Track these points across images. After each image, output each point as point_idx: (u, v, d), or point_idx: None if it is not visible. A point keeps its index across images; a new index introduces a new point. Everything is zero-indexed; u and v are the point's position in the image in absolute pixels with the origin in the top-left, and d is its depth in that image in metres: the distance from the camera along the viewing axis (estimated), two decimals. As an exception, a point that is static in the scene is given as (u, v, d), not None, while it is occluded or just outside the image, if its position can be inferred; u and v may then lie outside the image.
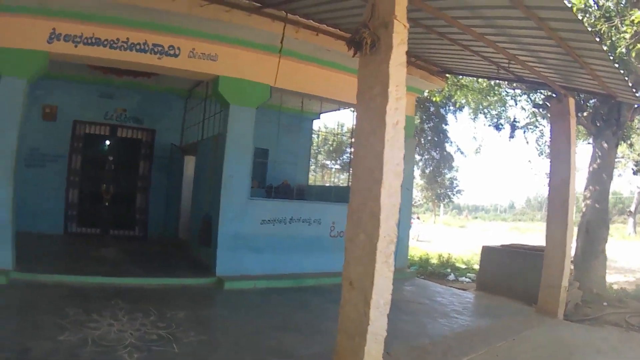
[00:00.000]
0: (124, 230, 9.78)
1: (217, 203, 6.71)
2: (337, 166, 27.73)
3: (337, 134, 25.94)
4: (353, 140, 5.96)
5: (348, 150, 23.99)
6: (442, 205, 42.75)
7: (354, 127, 5.62)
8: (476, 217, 57.92)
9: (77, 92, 9.22)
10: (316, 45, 6.66)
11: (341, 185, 12.80)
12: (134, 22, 6.06)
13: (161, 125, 10.08)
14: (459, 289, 7.95)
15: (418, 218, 22.72)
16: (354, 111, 8.12)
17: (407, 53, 3.44)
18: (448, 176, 28.27)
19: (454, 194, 32.32)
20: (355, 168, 3.60)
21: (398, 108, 3.34)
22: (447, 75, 8.71)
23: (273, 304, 5.73)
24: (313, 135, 13.34)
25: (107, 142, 10.00)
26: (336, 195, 9.00)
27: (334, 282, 6.42)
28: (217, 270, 6.55)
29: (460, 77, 10.77)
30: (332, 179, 26.93)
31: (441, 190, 29.78)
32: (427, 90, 10.46)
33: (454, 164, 25.30)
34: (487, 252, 8.00)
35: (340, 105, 9.42)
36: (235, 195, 6.69)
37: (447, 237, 23.70)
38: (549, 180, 6.73)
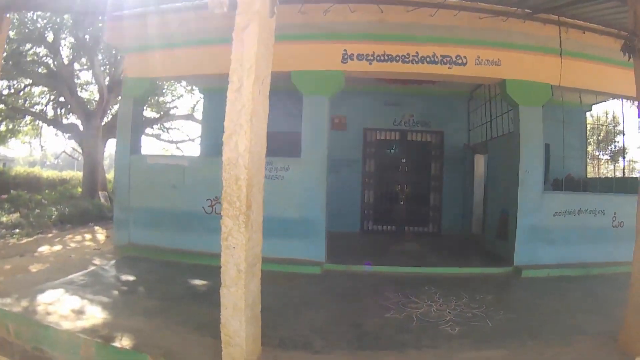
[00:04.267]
0: (419, 226, 10.46)
1: (514, 198, 7.05)
2: (607, 156, 26.93)
3: (605, 125, 24.25)
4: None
5: (617, 140, 22.95)
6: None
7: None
8: None
9: (364, 103, 10.31)
10: (584, 43, 6.93)
11: (619, 177, 12.30)
12: (420, 38, 6.82)
13: (448, 127, 10.60)
14: None
15: None
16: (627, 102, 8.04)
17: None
18: None
19: None
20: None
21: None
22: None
23: (565, 290, 5.94)
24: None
25: (399, 146, 10.74)
26: (617, 186, 8.75)
27: (615, 270, 6.78)
28: (515, 261, 6.91)
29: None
30: (602, 171, 25.22)
31: None
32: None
33: None
34: None
35: (612, 97, 9.14)
36: (531, 189, 6.98)
37: None
38: None
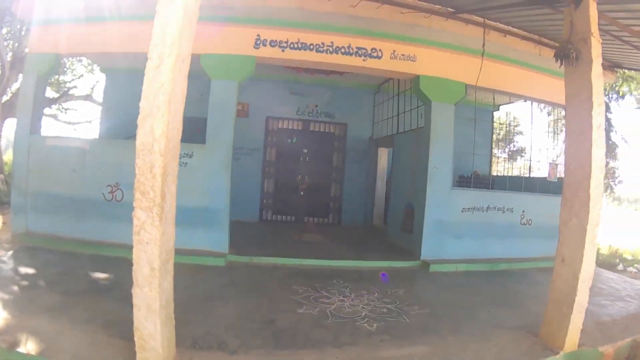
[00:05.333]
0: (319, 217, 10.49)
1: (422, 193, 7.20)
2: (505, 155, 28.04)
3: (505, 125, 26.33)
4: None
5: (515, 140, 24.71)
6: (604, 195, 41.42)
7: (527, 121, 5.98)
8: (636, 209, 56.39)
9: (268, 91, 10.09)
10: (504, 46, 7.19)
11: (527, 176, 12.85)
12: (337, 28, 6.72)
13: (352, 119, 10.67)
14: (629, 277, 8.06)
15: None
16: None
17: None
18: (611, 165, 27.68)
19: (615, 184, 31.52)
20: (568, 163, 4.11)
21: (600, 113, 3.93)
22: (616, 69, 8.94)
23: (476, 285, 6.13)
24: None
25: (301, 136, 10.62)
26: (525, 185, 9.07)
27: (522, 266, 7.33)
28: (422, 254, 7.06)
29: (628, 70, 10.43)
30: (499, 168, 27.13)
31: (605, 180, 28.58)
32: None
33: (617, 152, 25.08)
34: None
35: (525, 99, 9.60)
36: (439, 185, 7.15)
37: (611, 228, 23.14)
38: None
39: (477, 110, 10.53)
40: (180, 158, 6.23)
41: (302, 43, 6.73)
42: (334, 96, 10.57)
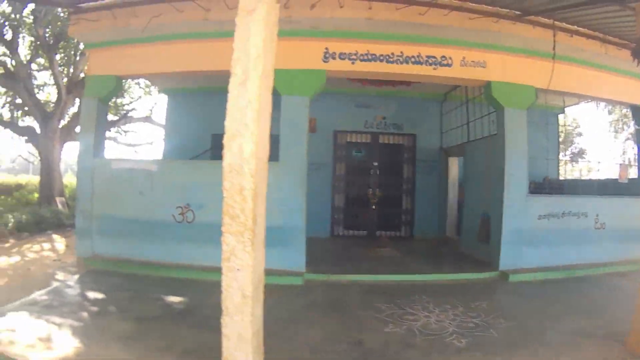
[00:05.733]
0: (390, 231, 10.31)
1: (498, 201, 7.01)
2: (566, 158, 27.54)
3: (564, 126, 25.82)
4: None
5: (575, 141, 24.05)
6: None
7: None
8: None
9: (335, 104, 10.09)
10: (571, 46, 6.99)
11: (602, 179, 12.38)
12: (406, 37, 6.64)
13: (420, 129, 10.54)
14: None
15: None
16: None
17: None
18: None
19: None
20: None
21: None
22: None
23: (555, 293, 5.93)
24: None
25: (370, 149, 10.56)
26: (598, 188, 8.87)
27: (599, 272, 7.06)
28: (500, 265, 6.86)
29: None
30: (561, 171, 26.70)
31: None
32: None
33: None
34: None
35: (588, 99, 9.38)
36: (516, 192, 6.96)
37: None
38: None
39: (542, 114, 10.08)
40: (254, 177, 6.45)
41: (371, 54, 6.65)
42: (402, 107, 10.43)
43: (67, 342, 3.82)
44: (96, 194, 6.93)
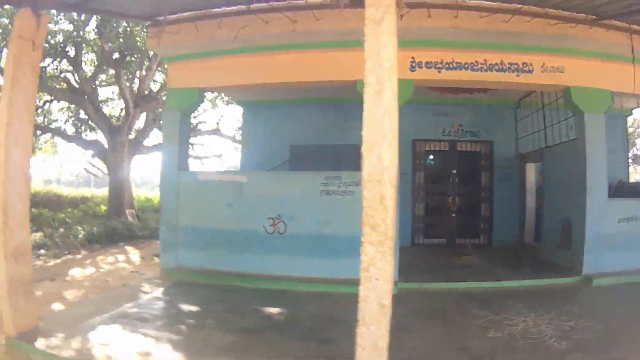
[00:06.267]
0: (470, 239, 10.17)
1: (580, 206, 6.93)
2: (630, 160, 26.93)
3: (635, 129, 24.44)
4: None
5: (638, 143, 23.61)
6: None
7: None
8: None
9: (413, 113, 9.85)
10: None
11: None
12: (489, 45, 6.63)
13: (496, 136, 10.45)
14: None
15: None
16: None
17: None
18: None
19: None
20: None
21: None
22: None
23: None
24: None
25: (448, 157, 10.53)
26: None
27: None
28: (584, 269, 6.78)
29: None
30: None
31: None
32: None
33: None
34: None
35: None
36: (597, 197, 6.88)
37: None
38: None
39: (611, 117, 9.67)
40: (346, 187, 6.54)
41: (456, 62, 6.62)
42: (478, 114, 10.34)
43: (170, 357, 3.74)
44: (181, 205, 7.01)
